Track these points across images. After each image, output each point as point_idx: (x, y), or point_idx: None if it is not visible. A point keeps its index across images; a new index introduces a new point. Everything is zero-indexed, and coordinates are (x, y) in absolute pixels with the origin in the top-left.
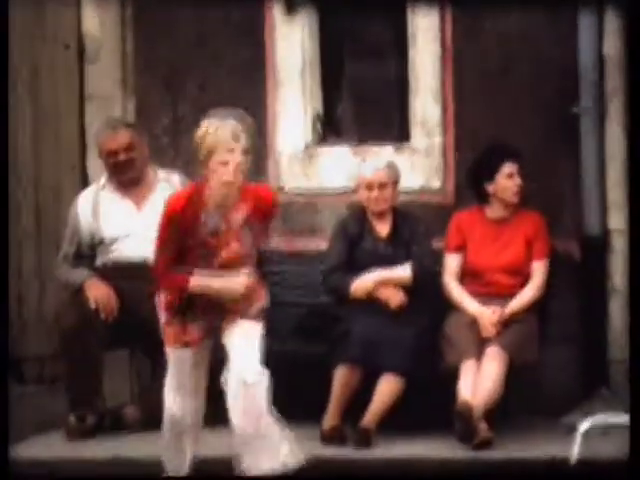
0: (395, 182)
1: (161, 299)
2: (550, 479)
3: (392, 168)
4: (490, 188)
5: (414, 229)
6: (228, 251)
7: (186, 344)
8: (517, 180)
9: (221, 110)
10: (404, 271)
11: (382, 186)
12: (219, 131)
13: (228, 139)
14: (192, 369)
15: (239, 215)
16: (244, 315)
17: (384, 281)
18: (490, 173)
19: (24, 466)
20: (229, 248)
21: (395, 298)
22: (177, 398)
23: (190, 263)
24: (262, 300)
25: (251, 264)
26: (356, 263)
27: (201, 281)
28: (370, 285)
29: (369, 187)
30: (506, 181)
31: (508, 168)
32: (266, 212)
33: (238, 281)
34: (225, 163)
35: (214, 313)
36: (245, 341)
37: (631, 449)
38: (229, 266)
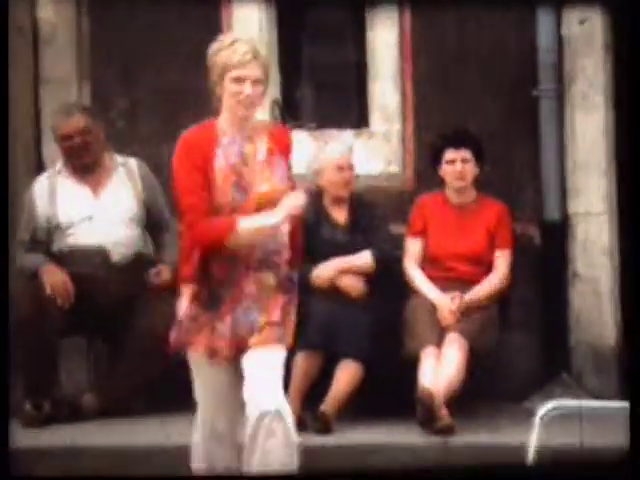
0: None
1: (184, 290)
2: (513, 463)
3: (352, 151)
4: (440, 173)
5: (372, 215)
6: (264, 182)
7: (216, 354)
8: (458, 166)
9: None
10: (365, 258)
11: (350, 168)
12: (236, 44)
13: (246, 53)
14: (229, 389)
15: (262, 145)
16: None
17: (345, 270)
18: (436, 159)
19: None
20: (265, 179)
21: (356, 287)
22: (218, 420)
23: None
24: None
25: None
26: (314, 251)
27: (252, 221)
28: (330, 274)
29: (340, 169)
30: (447, 167)
31: (449, 154)
32: (283, 147)
33: (298, 196)
34: (241, 79)
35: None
36: (265, 371)
37: (631, 444)
38: (267, 205)
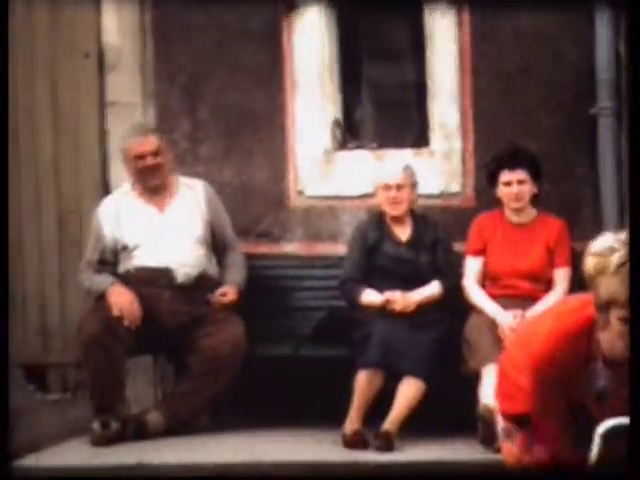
0: (413, 185)
1: (501, 407)
2: (574, 478)
3: (409, 170)
4: (497, 194)
5: (437, 236)
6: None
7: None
8: (515, 188)
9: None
10: (434, 289)
11: (400, 187)
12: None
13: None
14: None
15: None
16: None
17: (412, 302)
18: (492, 181)
19: (49, 473)
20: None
21: (407, 308)
22: None
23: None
24: None
25: None
26: (377, 268)
27: None
28: (379, 302)
29: (387, 188)
30: (503, 188)
31: (505, 177)
32: None
33: None
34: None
35: None
36: None
37: (629, 451)
38: None
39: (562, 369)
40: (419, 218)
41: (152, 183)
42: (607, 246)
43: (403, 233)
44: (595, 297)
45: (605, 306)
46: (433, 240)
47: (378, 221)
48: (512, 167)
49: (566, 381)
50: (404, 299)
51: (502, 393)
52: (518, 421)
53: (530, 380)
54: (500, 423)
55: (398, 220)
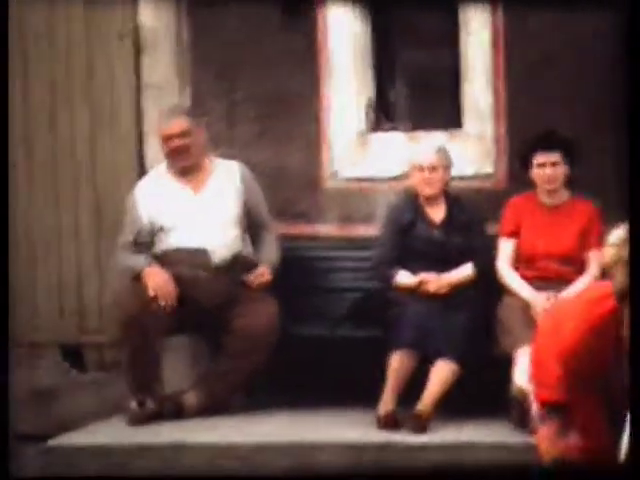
0: (446, 166)
1: (535, 392)
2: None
3: (443, 152)
4: (531, 176)
5: (471, 217)
6: None
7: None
8: (548, 170)
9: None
10: (468, 270)
11: (433, 169)
12: None
13: None
14: None
15: None
16: None
17: (446, 283)
18: (525, 163)
19: (86, 452)
20: None
21: (440, 289)
22: None
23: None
24: None
25: None
26: (411, 249)
27: None
28: (413, 283)
29: (420, 169)
30: (538, 170)
31: (539, 158)
32: None
33: None
34: None
35: None
36: None
37: (631, 450)
38: None
39: (590, 362)
40: (453, 200)
41: (181, 164)
42: (622, 237)
43: (437, 214)
44: (614, 288)
45: (622, 297)
46: (467, 222)
47: (412, 202)
48: (546, 149)
49: (597, 373)
50: (438, 280)
51: (536, 378)
52: (552, 408)
53: (561, 370)
54: (534, 407)
55: (432, 201)
